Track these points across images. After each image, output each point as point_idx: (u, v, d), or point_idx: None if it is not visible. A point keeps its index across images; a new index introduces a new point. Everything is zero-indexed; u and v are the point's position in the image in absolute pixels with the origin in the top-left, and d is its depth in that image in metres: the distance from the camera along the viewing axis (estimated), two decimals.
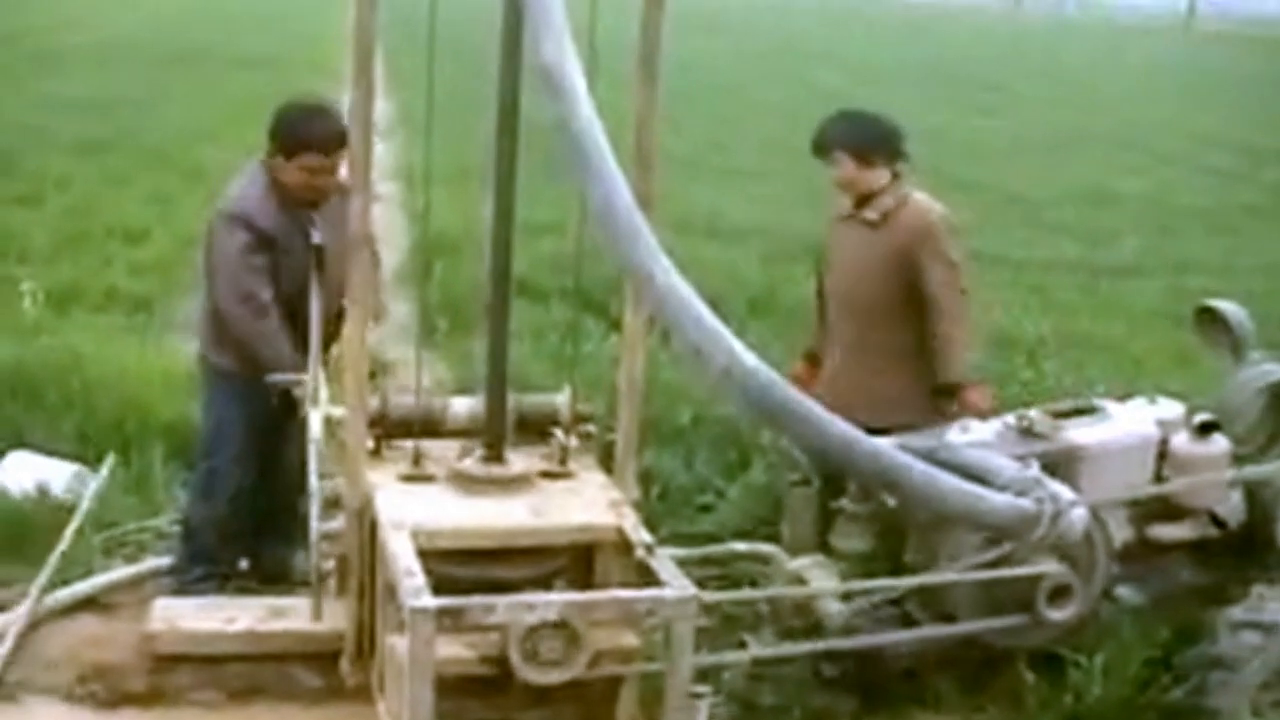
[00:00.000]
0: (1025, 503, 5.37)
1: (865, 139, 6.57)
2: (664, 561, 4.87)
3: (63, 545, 6.53)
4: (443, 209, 12.57)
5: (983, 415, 6.20)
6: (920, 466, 4.80)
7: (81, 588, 6.40)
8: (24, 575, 6.52)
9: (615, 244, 4.35)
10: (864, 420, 5.30)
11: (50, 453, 7.56)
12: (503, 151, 5.09)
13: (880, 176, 6.57)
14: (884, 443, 4.42)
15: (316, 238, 6.13)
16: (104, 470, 7.33)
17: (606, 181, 4.32)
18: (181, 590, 6.36)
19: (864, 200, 6.57)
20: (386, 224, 14.50)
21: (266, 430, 6.42)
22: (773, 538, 6.62)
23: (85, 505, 6.94)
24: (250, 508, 6.66)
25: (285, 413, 6.11)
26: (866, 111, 6.84)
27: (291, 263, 6.15)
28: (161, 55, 29.29)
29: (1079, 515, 5.50)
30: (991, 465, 5.56)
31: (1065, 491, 5.51)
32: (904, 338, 6.48)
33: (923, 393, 6.42)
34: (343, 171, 5.76)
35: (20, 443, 7.66)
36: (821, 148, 6.65)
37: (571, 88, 4.35)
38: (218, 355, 6.43)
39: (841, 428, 4.54)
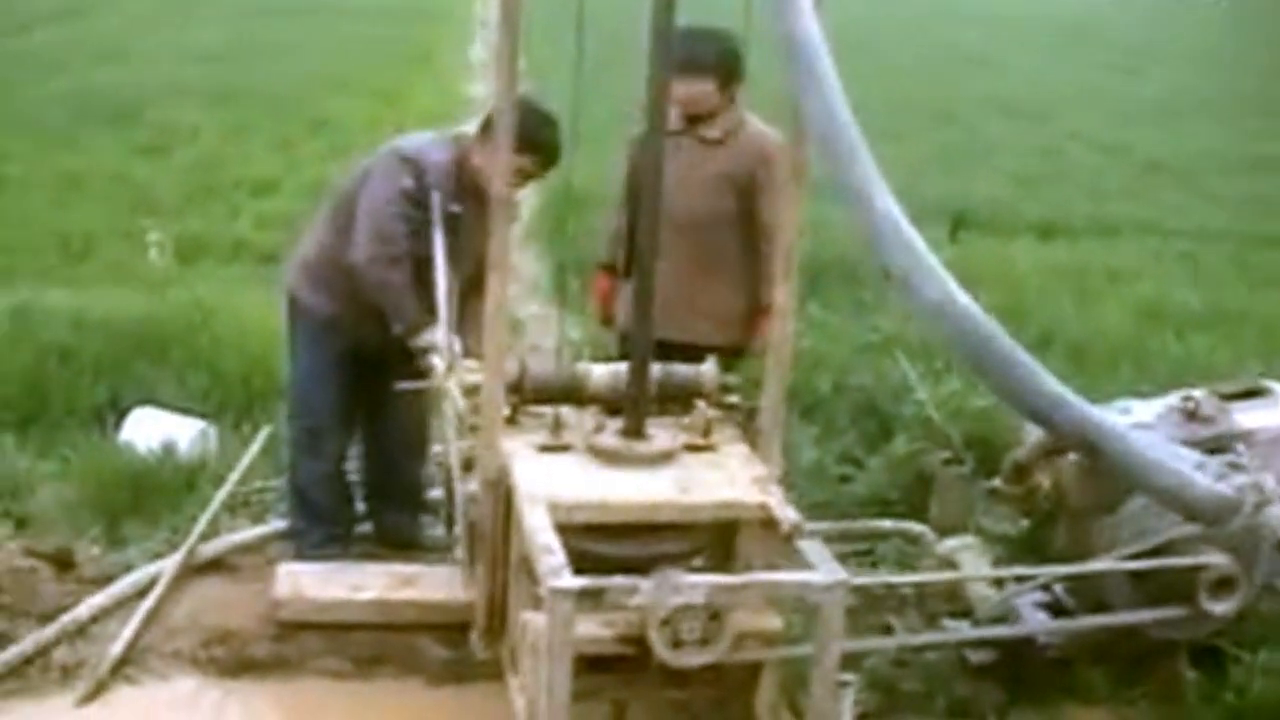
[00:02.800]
0: (1227, 489, 5.09)
1: (734, 61, 6.31)
2: (812, 542, 4.63)
3: (209, 511, 6.40)
4: (581, 162, 12.48)
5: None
6: (1129, 435, 4.48)
7: (207, 549, 6.28)
8: (146, 534, 6.45)
9: (833, 162, 4.09)
10: (690, 338, 5.87)
11: (176, 409, 7.45)
12: (654, 100, 4.84)
13: (726, 97, 6.38)
14: (1093, 408, 4.13)
15: (454, 208, 5.95)
16: (257, 442, 7.06)
17: (827, 96, 4.05)
18: (303, 556, 6.22)
19: (698, 118, 6.38)
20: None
21: (366, 381, 6.28)
22: (913, 512, 6.41)
23: (236, 474, 6.75)
24: (362, 466, 6.61)
25: (389, 367, 6.00)
26: (715, 29, 6.41)
27: (433, 234, 5.91)
28: (286, 6, 29.29)
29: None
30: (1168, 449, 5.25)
31: (1269, 480, 5.22)
32: (731, 256, 6.39)
33: (743, 313, 6.39)
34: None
35: (147, 398, 7.55)
36: (688, 68, 6.16)
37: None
38: (312, 293, 6.24)
39: (1051, 384, 4.24)
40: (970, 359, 4.34)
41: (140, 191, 12.38)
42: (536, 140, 5.77)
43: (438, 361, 5.65)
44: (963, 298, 4.08)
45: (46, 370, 7.82)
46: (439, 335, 5.65)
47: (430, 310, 5.76)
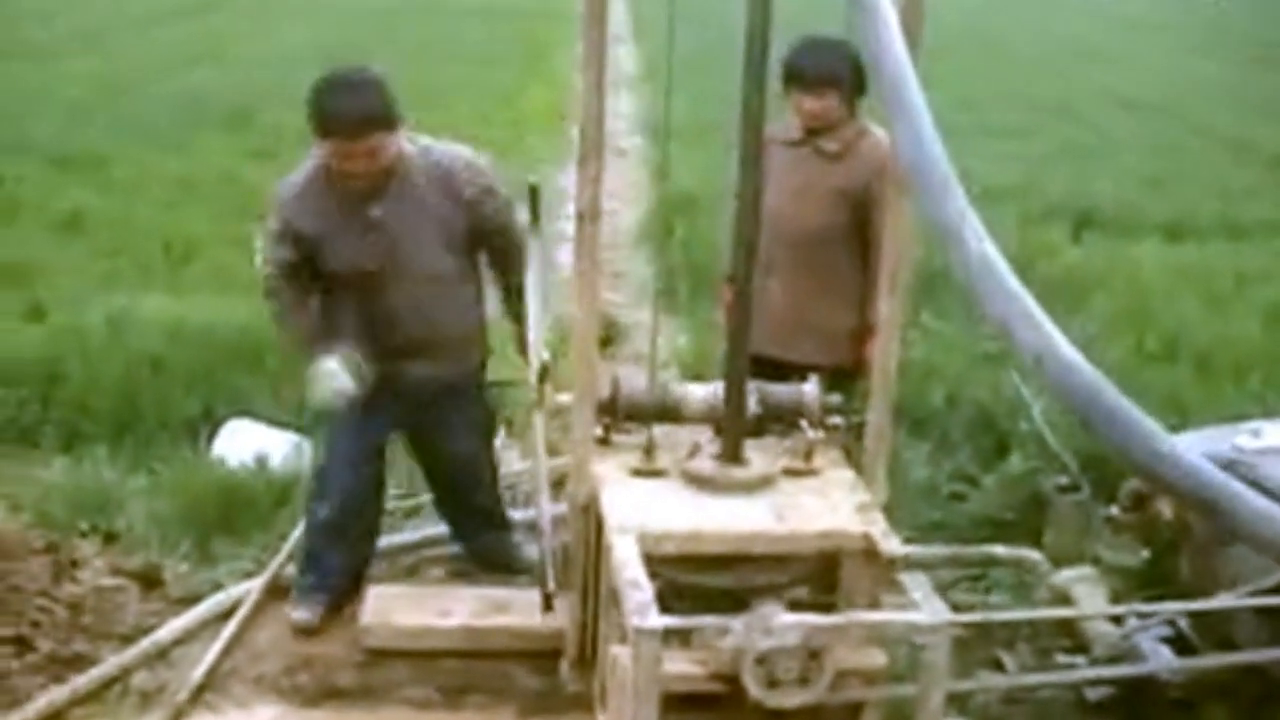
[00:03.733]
0: None
1: (857, 76, 5.97)
2: (917, 578, 4.37)
3: (299, 529, 6.22)
4: (687, 166, 12.29)
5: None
6: (1249, 496, 4.16)
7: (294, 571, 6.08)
8: (236, 552, 6.33)
9: (923, 195, 3.83)
10: (800, 357, 5.70)
11: (270, 421, 7.31)
12: (749, 107, 4.59)
13: (849, 109, 6.11)
14: (1206, 463, 3.84)
15: (377, 213, 5.61)
16: None
17: (917, 122, 3.80)
18: (295, 599, 5.96)
19: (819, 131, 6.09)
20: (630, 180, 14.22)
21: (397, 422, 6.08)
22: (1029, 534, 6.14)
23: None
24: (431, 495, 6.48)
25: (431, 403, 5.94)
26: (837, 40, 6.06)
27: (344, 248, 5.64)
28: (399, 5, 29.32)
29: None
30: None
31: None
32: (845, 273, 6.10)
33: (856, 332, 6.03)
34: (391, 149, 5.55)
35: (241, 410, 7.42)
36: (816, 82, 5.99)
37: (885, 16, 3.84)
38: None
39: (1162, 440, 3.96)
40: (1074, 411, 4.04)
41: (249, 195, 12.26)
42: (326, 122, 5.47)
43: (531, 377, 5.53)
44: (1065, 348, 3.79)
45: (139, 380, 7.73)
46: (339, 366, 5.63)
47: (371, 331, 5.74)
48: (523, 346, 5.89)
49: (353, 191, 5.59)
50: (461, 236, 5.76)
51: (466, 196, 5.70)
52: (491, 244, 5.89)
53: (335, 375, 5.57)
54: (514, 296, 5.97)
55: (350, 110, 5.44)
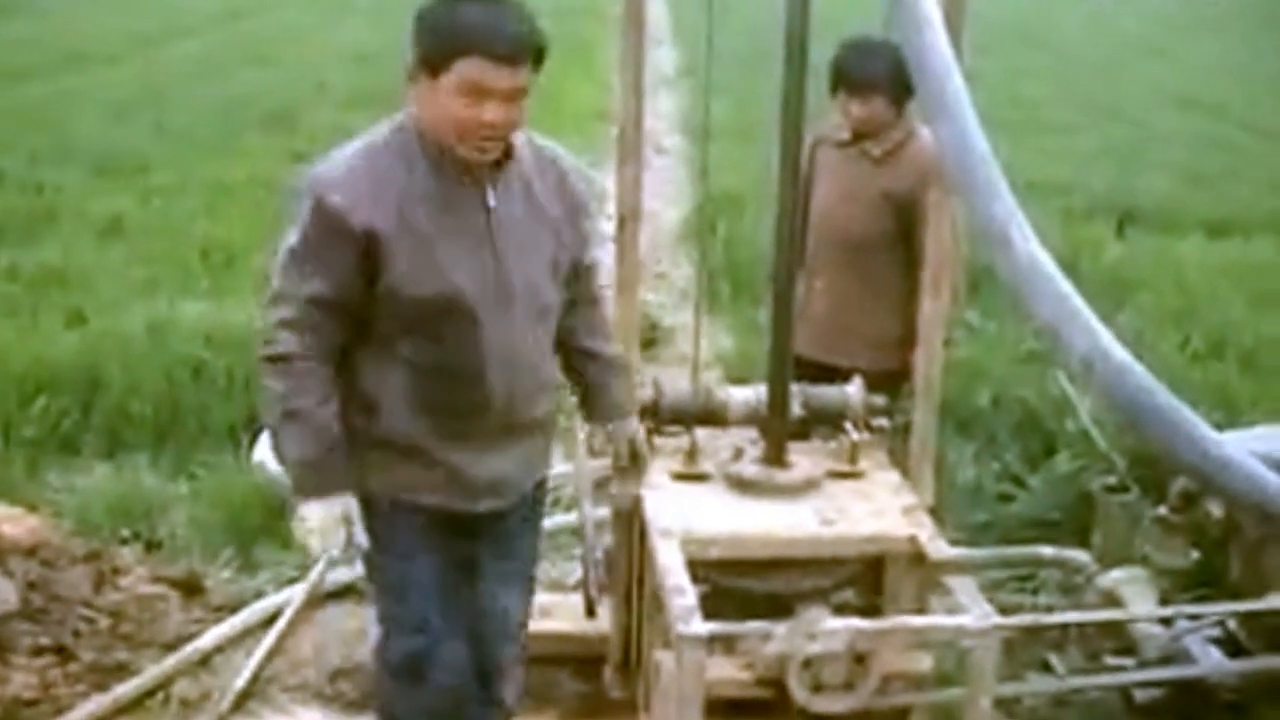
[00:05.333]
0: None
1: (903, 79, 5.23)
2: (964, 582, 4.32)
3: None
4: (729, 165, 12.23)
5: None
6: None
7: (337, 575, 6.04)
8: (278, 559, 6.32)
9: (970, 196, 3.76)
10: (847, 361, 5.49)
11: None
12: (789, 108, 4.54)
13: (896, 112, 5.93)
14: (1260, 466, 3.75)
15: (492, 203, 4.03)
16: None
17: (962, 123, 3.73)
18: None
19: (865, 134, 5.95)
20: (670, 180, 14.17)
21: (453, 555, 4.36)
22: (1077, 534, 6.07)
23: None
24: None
25: (498, 527, 4.37)
26: (882, 42, 5.77)
27: (440, 255, 3.94)
28: None
29: None
30: None
31: None
32: (891, 278, 5.90)
33: (903, 338, 5.67)
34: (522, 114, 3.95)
35: None
36: (863, 86, 5.85)
37: (927, 15, 3.78)
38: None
39: (1216, 445, 3.87)
40: (1125, 417, 3.95)
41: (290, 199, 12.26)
42: (470, 34, 3.79)
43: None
44: (1117, 351, 3.71)
45: (180, 386, 7.70)
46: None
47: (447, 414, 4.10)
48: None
49: (458, 169, 3.96)
50: (568, 262, 4.22)
51: (582, 205, 4.29)
52: (581, 286, 4.40)
53: (325, 534, 4.00)
54: (605, 377, 4.56)
55: (506, 24, 3.83)
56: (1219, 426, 4.66)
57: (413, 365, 4.00)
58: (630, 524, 4.86)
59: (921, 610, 4.54)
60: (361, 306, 3.92)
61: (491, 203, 3.97)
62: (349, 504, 4.00)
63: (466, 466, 4.12)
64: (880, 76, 5.82)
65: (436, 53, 3.83)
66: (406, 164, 3.93)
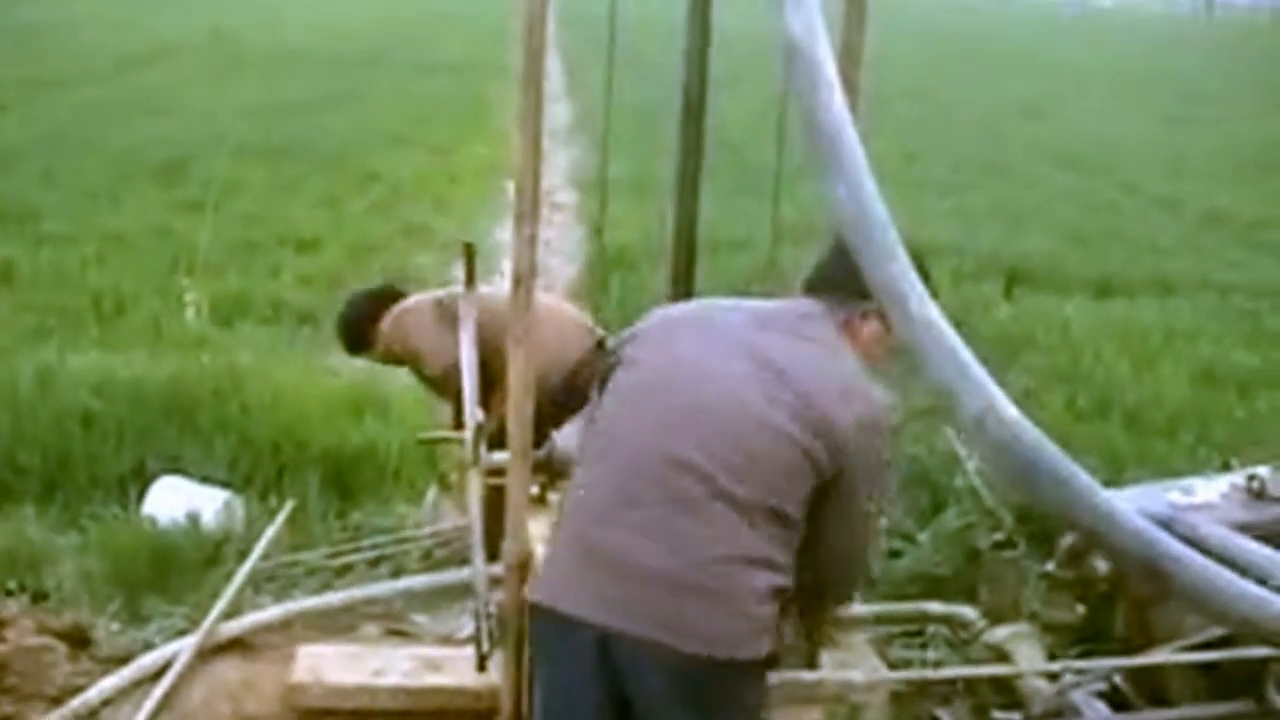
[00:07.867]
0: None
1: None
2: (853, 637, 4.37)
3: (231, 588, 6.12)
4: (624, 221, 12.30)
5: None
6: (1199, 560, 4.13)
7: (227, 628, 5.99)
8: (167, 611, 6.24)
9: (866, 257, 3.82)
10: None
11: (202, 478, 7.24)
12: (686, 161, 4.60)
13: None
14: (1153, 526, 3.82)
15: None
16: (281, 516, 6.80)
17: (858, 185, 3.78)
18: None
19: None
20: (565, 236, 14.22)
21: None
22: (965, 591, 6.14)
23: (258, 551, 6.44)
24: None
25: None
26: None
27: None
28: (344, 61, 29.39)
29: None
30: (1241, 548, 4.85)
31: None
32: None
33: None
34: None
35: (173, 467, 7.34)
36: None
37: (822, 72, 3.83)
38: None
39: (1107, 502, 3.94)
40: (1015, 476, 4.01)
41: (181, 248, 12.18)
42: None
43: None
44: (1009, 410, 3.77)
45: (69, 436, 7.62)
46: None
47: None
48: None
49: None
50: None
51: None
52: None
53: None
54: None
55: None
56: (1105, 484, 4.72)
57: None
58: (521, 578, 4.86)
59: (811, 665, 4.57)
60: None
61: None
62: None
63: None
64: None
65: None
66: None
